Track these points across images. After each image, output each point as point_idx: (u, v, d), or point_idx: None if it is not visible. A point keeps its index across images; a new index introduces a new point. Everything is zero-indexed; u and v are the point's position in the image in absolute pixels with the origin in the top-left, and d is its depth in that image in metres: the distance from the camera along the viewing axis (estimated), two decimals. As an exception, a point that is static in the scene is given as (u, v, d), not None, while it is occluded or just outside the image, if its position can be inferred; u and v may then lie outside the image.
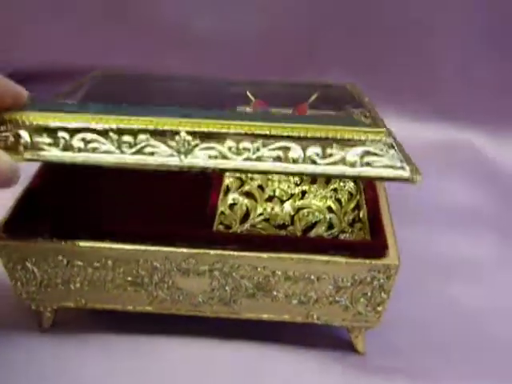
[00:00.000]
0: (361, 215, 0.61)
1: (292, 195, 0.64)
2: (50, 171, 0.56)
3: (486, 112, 0.86)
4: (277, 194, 0.64)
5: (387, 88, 0.85)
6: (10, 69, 0.81)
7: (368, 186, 0.60)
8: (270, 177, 0.65)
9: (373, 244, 0.50)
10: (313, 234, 0.59)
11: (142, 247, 0.47)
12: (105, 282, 0.48)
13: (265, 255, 0.46)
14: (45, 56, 0.88)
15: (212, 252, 0.46)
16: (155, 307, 0.50)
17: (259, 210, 0.62)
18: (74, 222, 0.50)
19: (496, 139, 0.86)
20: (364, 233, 0.56)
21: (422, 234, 0.68)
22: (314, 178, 0.65)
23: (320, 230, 0.59)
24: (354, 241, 0.56)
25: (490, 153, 0.85)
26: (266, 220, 0.61)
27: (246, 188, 0.64)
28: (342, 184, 0.65)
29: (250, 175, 0.65)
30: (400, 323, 0.55)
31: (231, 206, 0.62)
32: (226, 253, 0.46)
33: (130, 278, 0.48)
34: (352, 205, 0.63)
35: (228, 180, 0.64)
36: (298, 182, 0.66)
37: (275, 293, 0.48)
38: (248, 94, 0.73)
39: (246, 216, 0.61)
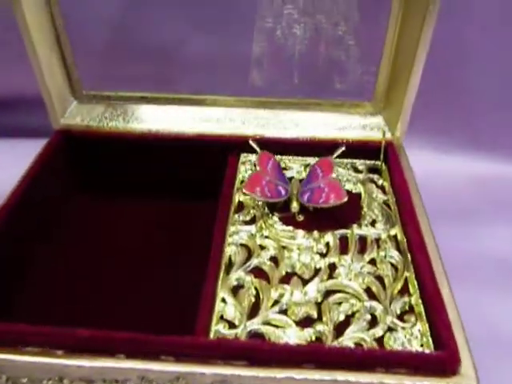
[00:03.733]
0: (413, 301, 0.45)
1: (317, 271, 0.48)
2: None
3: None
4: (297, 269, 0.48)
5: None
6: None
7: (417, 250, 0.45)
8: (285, 243, 0.50)
9: (439, 358, 0.35)
10: (349, 335, 0.42)
11: (109, 362, 0.32)
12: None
13: (283, 374, 0.30)
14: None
15: (208, 371, 0.32)
16: None
17: (273, 295, 0.45)
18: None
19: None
20: (421, 333, 0.41)
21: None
22: (343, 245, 0.50)
23: (359, 328, 0.42)
24: (411, 352, 0.39)
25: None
26: (283, 312, 0.44)
27: (255, 262, 0.48)
28: (382, 253, 0.49)
29: (258, 241, 0.50)
30: None
31: (235, 290, 0.46)
32: (229, 372, 0.34)
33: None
34: (399, 284, 0.47)
35: (230, 248, 0.49)
36: (324, 251, 0.50)
37: None
38: (251, 143, 0.60)
39: (254, 306, 0.45)
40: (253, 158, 0.62)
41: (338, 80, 0.66)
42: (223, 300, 0.45)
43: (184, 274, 0.57)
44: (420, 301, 0.45)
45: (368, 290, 0.46)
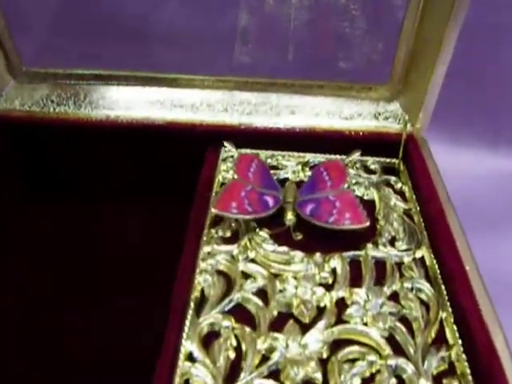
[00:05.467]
0: (453, 356, 0.32)
1: (321, 311, 0.35)
2: None
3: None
4: (293, 308, 0.35)
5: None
6: None
7: (455, 280, 0.33)
8: (277, 270, 0.38)
9: None
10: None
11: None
12: None
13: None
14: None
15: None
16: None
17: (261, 348, 0.32)
18: None
19: None
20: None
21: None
22: (355, 272, 0.37)
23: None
24: None
25: None
26: (274, 374, 0.31)
27: (236, 297, 0.35)
28: (406, 285, 0.37)
29: (241, 267, 0.38)
30: None
31: (207, 341, 0.33)
32: None
33: None
34: (433, 331, 0.34)
35: (202, 278, 0.36)
36: (330, 281, 0.37)
37: None
38: (227, 144, 0.47)
39: (234, 365, 0.32)
40: (236, 153, 0.49)
41: (344, 57, 0.53)
42: (190, 356, 0.32)
43: (143, 313, 0.43)
44: (464, 356, 0.32)
45: (391, 340, 0.33)
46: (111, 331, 0.44)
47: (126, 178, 0.55)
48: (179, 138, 0.51)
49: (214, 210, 0.40)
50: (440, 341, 0.33)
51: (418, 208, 0.43)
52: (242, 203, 0.41)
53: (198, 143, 0.49)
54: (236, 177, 0.44)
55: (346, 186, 0.44)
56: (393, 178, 0.47)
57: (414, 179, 0.46)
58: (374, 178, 0.47)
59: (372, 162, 0.49)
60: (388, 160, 0.49)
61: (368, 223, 0.39)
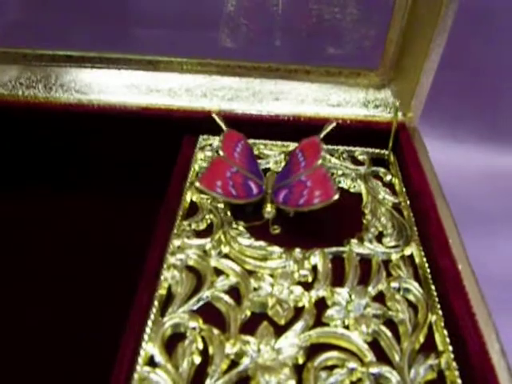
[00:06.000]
0: (443, 364, 0.30)
1: (298, 312, 0.32)
2: None
3: None
4: (268, 308, 0.32)
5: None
6: None
7: (446, 280, 0.30)
8: (252, 267, 0.34)
9: None
10: None
11: None
12: None
13: None
14: None
15: None
16: None
17: (229, 352, 0.29)
18: None
19: None
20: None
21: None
22: (338, 270, 0.34)
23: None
24: None
25: None
26: (243, 381, 0.28)
27: (206, 295, 0.32)
28: (394, 284, 0.34)
29: (213, 263, 0.34)
30: None
31: (171, 344, 0.30)
32: None
33: None
34: (421, 336, 0.31)
35: (170, 274, 0.33)
36: (310, 280, 0.34)
37: None
38: (215, 117, 0.44)
39: (199, 371, 0.28)
40: (216, 141, 0.45)
41: (333, 42, 0.50)
42: (150, 360, 0.29)
43: (105, 312, 0.39)
44: (454, 364, 0.29)
45: (374, 345, 0.30)
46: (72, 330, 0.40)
47: (96, 166, 0.52)
48: (155, 125, 0.47)
49: (197, 185, 0.37)
50: (429, 347, 0.30)
51: (409, 202, 0.40)
52: (227, 184, 0.38)
53: (175, 130, 0.46)
54: (222, 154, 0.41)
55: (319, 162, 0.40)
56: (382, 170, 0.44)
57: (404, 171, 0.43)
58: (362, 169, 0.44)
59: (360, 152, 0.45)
60: (377, 151, 0.46)
61: (337, 196, 0.35)
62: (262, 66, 0.48)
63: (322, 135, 0.43)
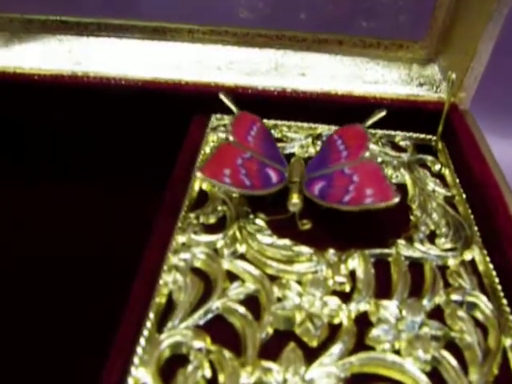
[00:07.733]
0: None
1: (335, 331, 0.25)
2: None
3: None
4: (295, 326, 0.25)
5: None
6: None
7: None
8: (276, 271, 0.28)
9: None
10: None
11: None
12: None
13: None
14: None
15: None
16: None
17: (247, 379, 0.22)
18: None
19: None
20: None
21: None
22: (382, 277, 0.27)
23: None
24: None
25: None
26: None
27: (216, 306, 0.25)
28: (454, 297, 0.27)
29: (226, 265, 0.27)
30: None
31: (169, 371, 0.23)
32: None
33: None
34: (495, 365, 0.24)
35: (170, 277, 0.26)
36: (348, 289, 0.27)
37: None
38: (222, 97, 0.37)
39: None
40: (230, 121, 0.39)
41: (370, 6, 0.43)
42: None
43: (97, 315, 0.33)
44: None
45: (434, 376, 0.23)
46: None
47: (94, 149, 0.45)
48: (160, 102, 0.41)
49: (199, 175, 0.30)
50: (505, 379, 0.23)
51: (465, 195, 0.33)
52: (238, 172, 0.31)
53: (184, 109, 0.40)
54: (232, 139, 0.34)
55: (367, 154, 0.33)
56: (429, 158, 0.37)
57: (457, 160, 0.36)
58: (405, 156, 0.36)
59: (401, 137, 0.38)
60: (422, 136, 0.39)
61: (398, 199, 0.28)
62: (285, 34, 0.41)
63: (367, 124, 0.36)
